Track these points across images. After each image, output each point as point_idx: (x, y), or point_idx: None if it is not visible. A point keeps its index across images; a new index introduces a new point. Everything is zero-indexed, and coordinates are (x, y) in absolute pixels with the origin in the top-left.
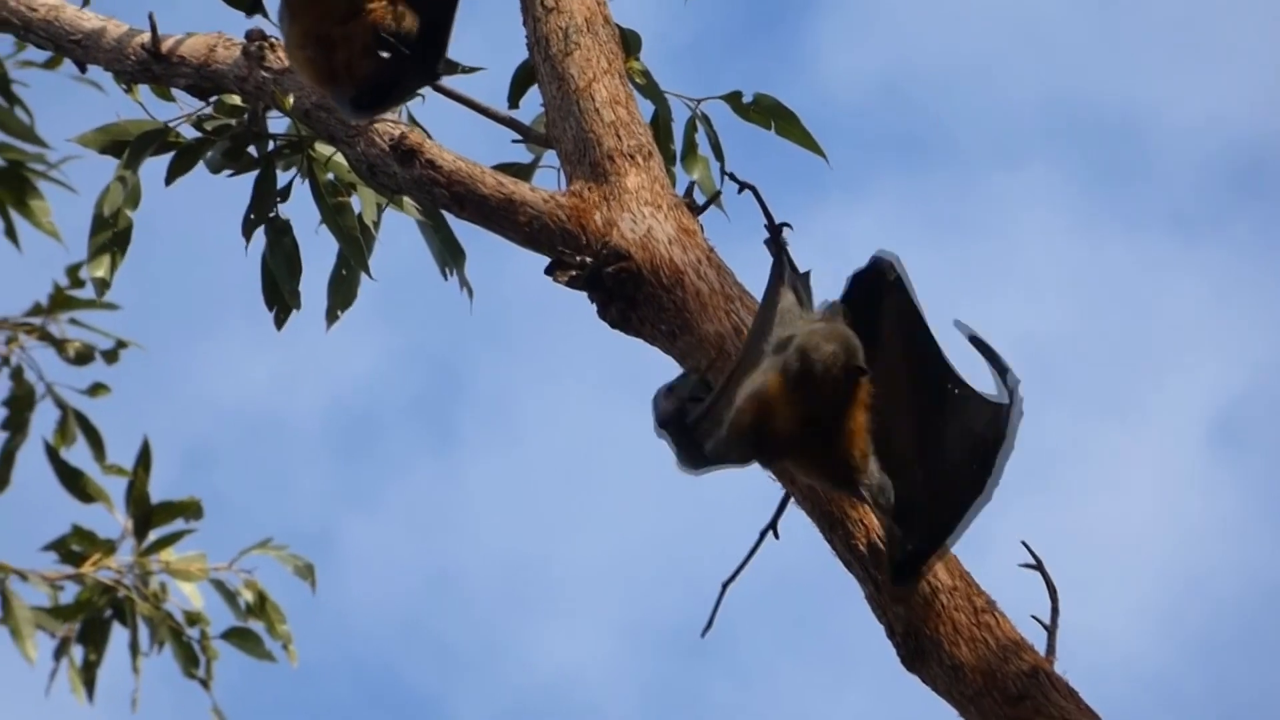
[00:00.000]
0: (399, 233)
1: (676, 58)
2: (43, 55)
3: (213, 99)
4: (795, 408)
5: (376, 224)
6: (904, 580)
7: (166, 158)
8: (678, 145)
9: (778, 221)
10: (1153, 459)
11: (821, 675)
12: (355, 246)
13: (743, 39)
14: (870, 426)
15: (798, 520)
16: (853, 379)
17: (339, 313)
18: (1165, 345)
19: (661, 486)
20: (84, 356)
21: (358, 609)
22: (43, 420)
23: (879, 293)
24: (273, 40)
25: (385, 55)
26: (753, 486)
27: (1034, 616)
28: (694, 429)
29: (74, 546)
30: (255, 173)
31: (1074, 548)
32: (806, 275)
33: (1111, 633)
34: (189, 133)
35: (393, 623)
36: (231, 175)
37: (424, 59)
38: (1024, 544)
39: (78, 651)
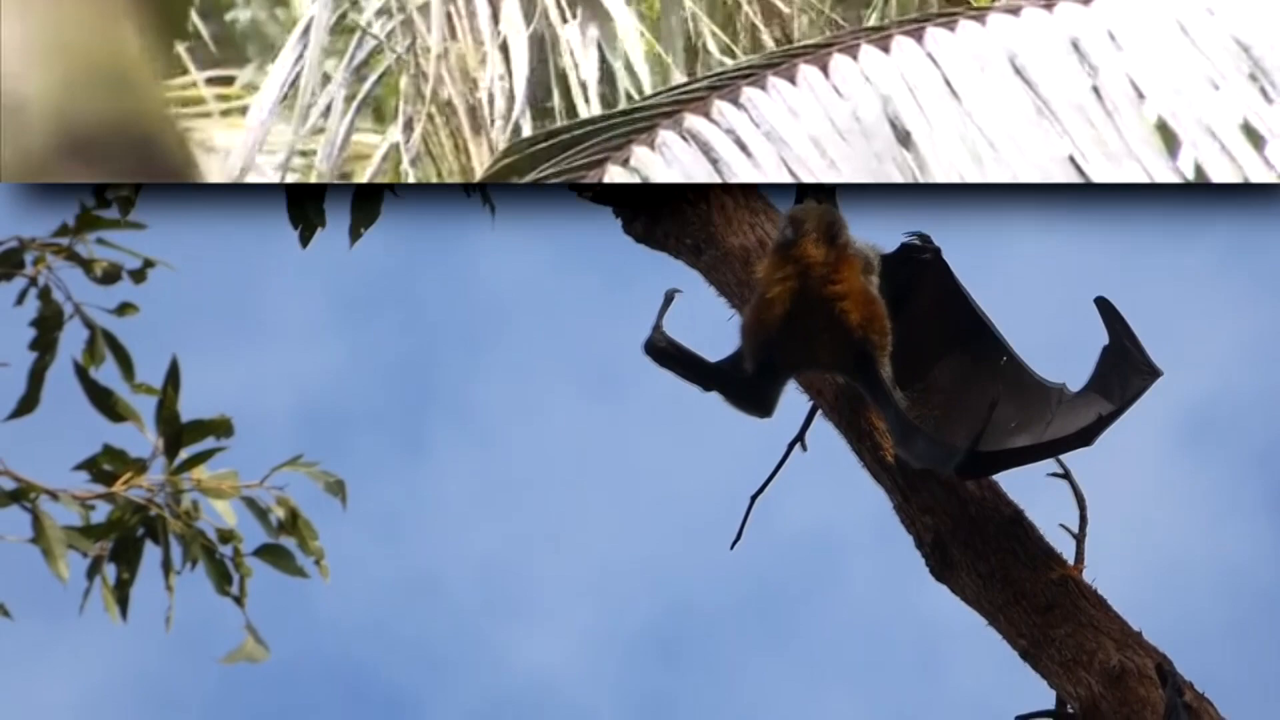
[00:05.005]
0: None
1: None
2: None
3: None
4: (788, 283)
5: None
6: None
7: None
8: None
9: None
10: (1131, 455)
11: (797, 676)
12: None
13: None
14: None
15: (766, 535)
16: (838, 239)
17: (362, 230)
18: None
19: (639, 488)
20: (111, 275)
21: (332, 612)
22: (71, 340)
23: (916, 269)
24: None
25: None
26: (734, 486)
27: (1062, 525)
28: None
29: (105, 466)
30: None
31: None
32: (833, 190)
33: None
34: None
35: (368, 625)
36: None
37: None
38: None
39: (110, 570)
